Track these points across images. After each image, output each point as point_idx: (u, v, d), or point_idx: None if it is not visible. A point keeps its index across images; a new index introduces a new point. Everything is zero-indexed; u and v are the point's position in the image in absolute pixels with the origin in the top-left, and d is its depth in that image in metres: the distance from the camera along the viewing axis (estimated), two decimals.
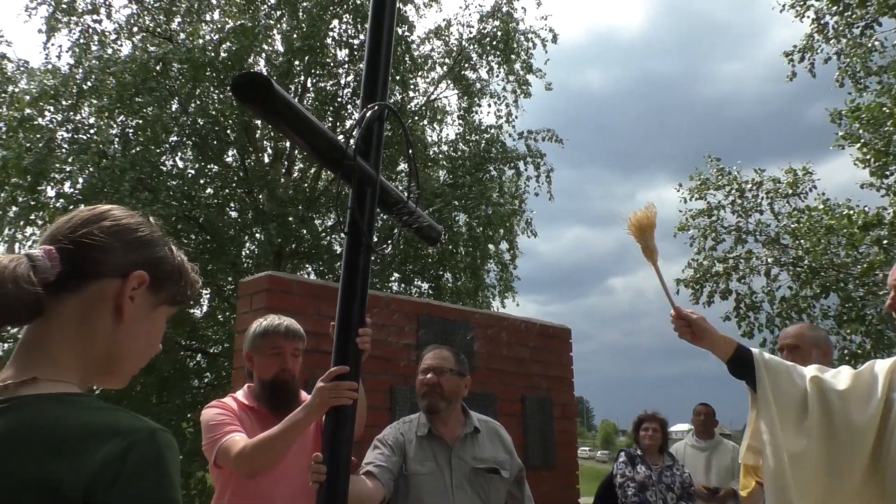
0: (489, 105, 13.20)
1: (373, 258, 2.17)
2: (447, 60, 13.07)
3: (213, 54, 10.25)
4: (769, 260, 9.70)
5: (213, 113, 10.88)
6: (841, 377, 2.10)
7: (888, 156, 7.36)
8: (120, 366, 1.04)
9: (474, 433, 2.74)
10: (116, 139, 10.08)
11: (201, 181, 11.66)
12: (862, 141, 7.83)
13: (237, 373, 3.13)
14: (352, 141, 2.04)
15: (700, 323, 2.18)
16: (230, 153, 12.00)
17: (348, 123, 11.95)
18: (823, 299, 9.26)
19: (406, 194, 2.45)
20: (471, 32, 12.96)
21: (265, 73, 1.89)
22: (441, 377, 2.70)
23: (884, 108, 7.46)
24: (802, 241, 9.27)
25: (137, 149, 10.20)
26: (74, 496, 0.80)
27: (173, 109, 10.89)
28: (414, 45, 12.44)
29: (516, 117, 13.01)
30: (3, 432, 0.84)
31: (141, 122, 10.13)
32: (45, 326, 0.96)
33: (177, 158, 11.79)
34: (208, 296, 11.42)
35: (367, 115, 2.13)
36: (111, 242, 1.01)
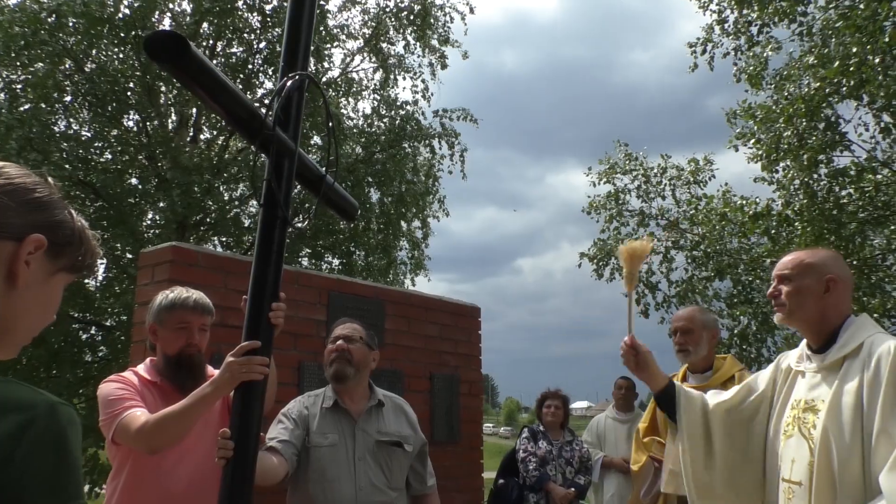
0: (405, 79, 13.15)
1: (288, 231, 2.13)
2: (365, 30, 12.87)
3: (113, 10, 9.61)
4: (669, 243, 10.25)
5: (113, 73, 10.23)
6: (731, 394, 2.39)
7: (778, 152, 7.90)
8: (11, 335, 0.96)
9: (378, 406, 2.76)
10: (2, 94, 9.30)
11: (98, 144, 10.95)
12: (755, 138, 8.36)
13: (136, 346, 3.01)
14: (271, 111, 1.99)
15: (647, 356, 2.39)
16: (131, 117, 11.34)
17: (260, 93, 11.57)
18: (718, 282, 9.93)
19: (324, 168, 2.43)
20: (387, 5, 12.81)
21: (181, 34, 1.80)
22: (351, 345, 2.71)
23: (774, 109, 7.98)
24: (699, 227, 9.85)
25: (27, 106, 9.46)
26: None
27: (67, 66, 10.16)
28: (330, 14, 12.16)
29: (432, 94, 13.03)
30: None
31: (31, 77, 9.38)
32: None
33: (71, 120, 11.02)
34: (104, 266, 10.82)
35: (288, 84, 2.08)
36: (6, 202, 0.93)
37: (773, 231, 8.18)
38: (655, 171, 10.97)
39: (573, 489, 4.84)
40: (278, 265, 2.02)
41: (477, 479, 5.05)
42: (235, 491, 1.86)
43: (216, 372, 2.48)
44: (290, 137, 2.08)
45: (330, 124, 2.51)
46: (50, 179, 1.04)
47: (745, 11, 8.93)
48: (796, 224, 7.67)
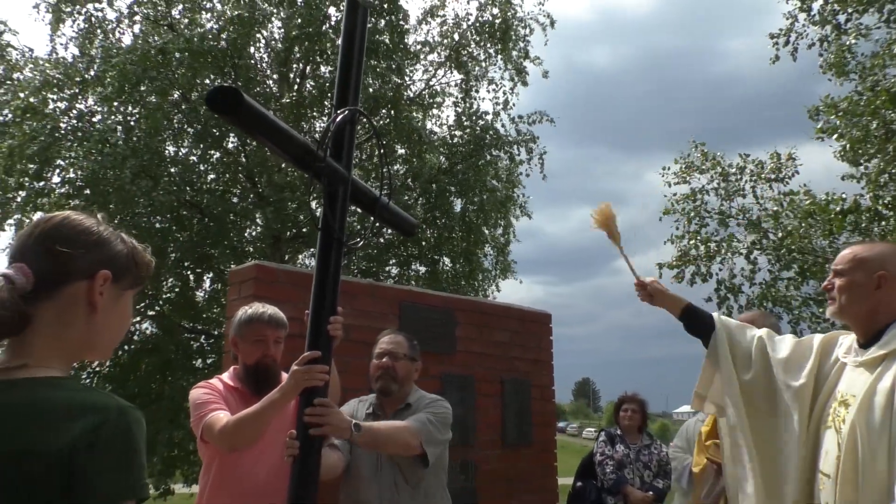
0: (487, 91, 13.36)
1: (345, 251, 2.35)
2: (446, 41, 13.17)
3: (213, 43, 10.39)
4: (749, 243, 9.88)
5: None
6: (784, 344, 2.39)
7: (865, 144, 7.49)
8: (100, 346, 1.24)
9: (405, 408, 2.89)
10: (119, 127, 10.27)
11: (202, 167, 11.85)
12: (839, 132, 7.96)
13: (226, 356, 3.35)
14: (324, 144, 2.22)
15: (654, 285, 2.44)
16: (231, 139, 12.17)
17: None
18: (803, 285, 9.45)
19: (379, 192, 2.62)
20: (469, 19, 13.05)
21: (236, 86, 2.06)
22: (396, 362, 2.90)
23: (860, 102, 7.57)
24: (783, 223, 9.43)
25: (139, 135, 10.39)
26: (59, 459, 1.01)
27: (175, 97, 11.05)
28: (410, 32, 12.55)
29: (513, 105, 13.15)
30: (4, 408, 1.05)
31: (143, 110, 10.31)
32: (29, 327, 1.15)
33: (178, 145, 11.97)
34: (210, 279, 11.68)
35: (338, 119, 2.32)
36: (74, 249, 1.18)
37: (863, 226, 7.74)
38: (734, 169, 10.57)
39: (651, 493, 4.85)
40: (335, 282, 2.22)
41: (551, 480, 5.16)
42: (302, 483, 2.11)
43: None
44: (342, 166, 2.28)
45: (382, 152, 2.73)
46: (100, 216, 1.29)
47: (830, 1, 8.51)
48: (890, 219, 7.22)
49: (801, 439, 2.21)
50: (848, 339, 2.23)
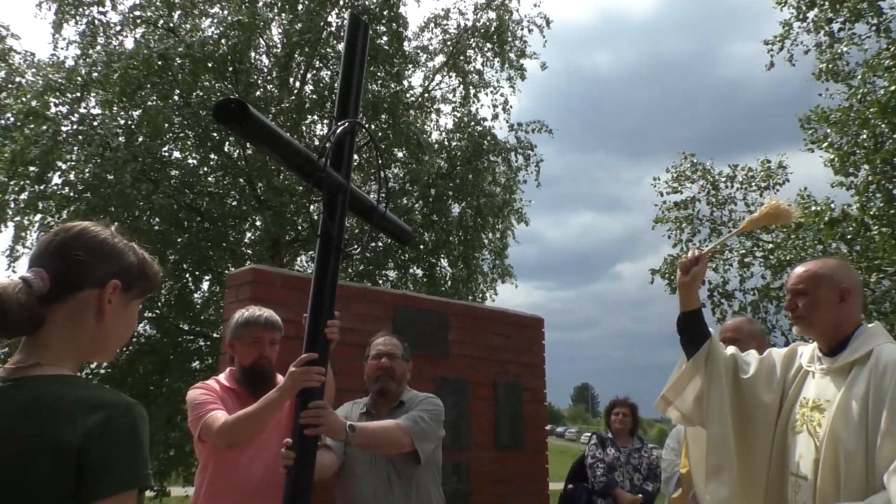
0: (486, 95, 13.48)
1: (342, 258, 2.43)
2: (445, 48, 13.30)
3: (213, 48, 10.49)
4: (742, 251, 10.00)
5: (214, 104, 11.14)
6: (751, 359, 2.49)
7: (854, 155, 7.61)
8: (105, 349, 1.35)
9: (398, 407, 2.96)
10: (120, 131, 10.36)
11: (202, 171, 11.95)
12: (829, 141, 8.07)
13: (223, 357, 3.43)
14: (324, 154, 2.30)
15: (700, 273, 2.49)
16: (231, 143, 12.26)
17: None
18: None
19: (377, 200, 2.70)
20: (467, 22, 13.20)
21: (240, 98, 2.14)
22: (393, 362, 2.99)
23: (850, 112, 7.68)
24: (774, 233, 9.55)
25: (140, 139, 10.49)
26: (71, 450, 1.11)
27: (176, 100, 11.14)
28: (411, 35, 12.68)
29: (511, 107, 13.29)
30: (21, 403, 1.16)
31: (144, 114, 10.41)
32: (43, 328, 1.25)
33: (178, 149, 12.07)
34: (208, 282, 11.75)
35: (338, 130, 2.41)
36: (88, 259, 1.28)
37: (849, 237, 7.86)
38: (724, 179, 10.72)
39: (640, 495, 4.93)
40: (332, 287, 2.29)
41: (542, 483, 5.24)
42: (298, 483, 2.16)
43: (282, 379, 2.87)
44: (342, 176, 2.35)
45: (380, 161, 2.82)
46: (113, 228, 1.39)
47: (824, 6, 8.63)
48: (874, 229, 7.32)
49: (770, 445, 2.33)
50: (808, 349, 2.36)
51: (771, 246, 9.65)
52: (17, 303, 1.20)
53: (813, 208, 8.58)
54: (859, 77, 8.01)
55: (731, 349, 2.54)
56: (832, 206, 8.26)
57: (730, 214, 10.66)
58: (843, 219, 7.77)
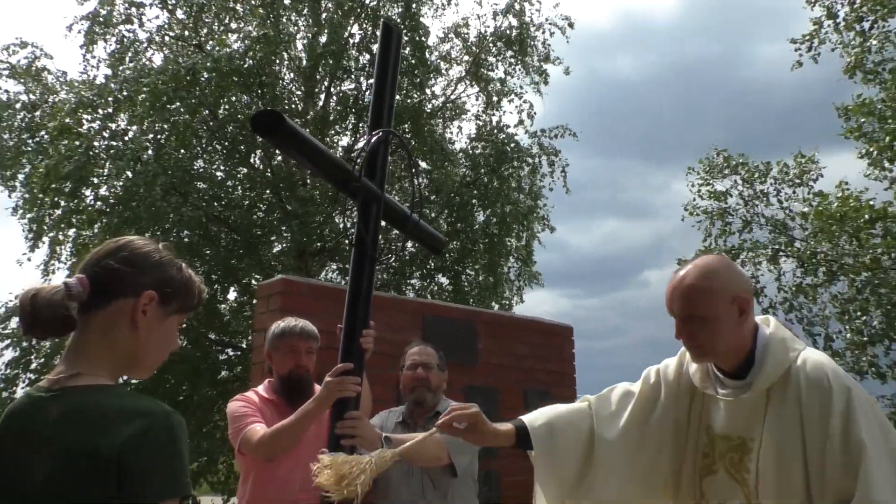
0: (509, 102, 13.47)
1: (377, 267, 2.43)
2: (466, 57, 13.35)
3: (239, 62, 10.67)
4: (774, 247, 9.86)
5: (241, 118, 11.33)
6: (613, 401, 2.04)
7: (891, 150, 7.46)
8: (142, 364, 1.36)
9: (435, 417, 2.88)
10: (150, 145, 10.57)
11: (230, 183, 12.13)
12: (865, 133, 7.93)
13: (256, 367, 3.48)
14: (358, 164, 2.31)
15: (474, 418, 1.93)
16: (258, 155, 12.43)
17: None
18: (832, 286, 9.39)
19: (410, 209, 2.71)
20: (486, 30, 13.23)
21: (277, 110, 2.16)
22: (429, 372, 2.99)
23: (887, 105, 7.55)
24: (810, 224, 9.38)
25: (168, 153, 10.68)
26: (110, 458, 1.13)
27: (204, 114, 11.34)
28: (432, 45, 12.75)
29: (535, 113, 13.28)
30: (62, 413, 1.19)
31: (172, 128, 10.60)
32: (82, 335, 1.30)
33: (205, 161, 12.27)
34: (236, 292, 11.91)
35: (373, 140, 2.43)
36: (126, 269, 1.31)
37: (894, 232, 7.67)
38: (757, 175, 10.57)
39: None
40: (368, 296, 2.29)
41: None
42: None
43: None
44: (376, 185, 2.36)
45: (413, 170, 2.83)
46: (161, 245, 1.42)
47: (855, 4, 8.51)
48: None
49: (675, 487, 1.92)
50: (696, 367, 1.92)
51: (808, 243, 9.44)
52: (48, 304, 1.24)
53: (853, 204, 8.41)
54: (890, 70, 7.87)
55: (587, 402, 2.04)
56: (872, 203, 8.08)
57: (764, 206, 10.49)
58: (883, 215, 7.60)
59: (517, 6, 13.02)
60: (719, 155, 11.18)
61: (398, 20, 11.69)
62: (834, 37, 9.24)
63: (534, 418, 2.05)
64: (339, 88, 12.78)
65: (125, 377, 1.40)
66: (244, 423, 2.65)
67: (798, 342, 1.82)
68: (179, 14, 12.32)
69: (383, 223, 2.59)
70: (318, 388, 2.85)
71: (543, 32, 13.31)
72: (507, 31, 12.95)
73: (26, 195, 11.25)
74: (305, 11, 12.46)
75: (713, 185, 11.08)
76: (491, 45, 13.07)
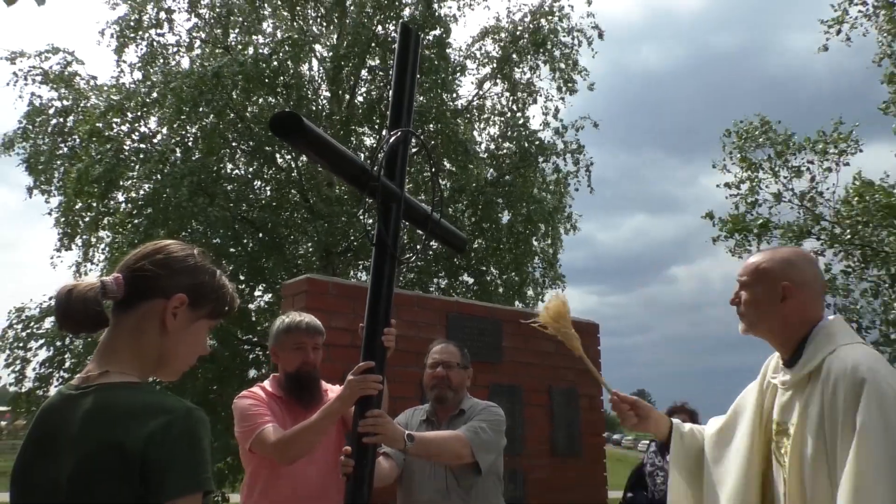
0: (535, 102, 13.40)
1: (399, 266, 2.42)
2: (494, 54, 13.30)
3: (265, 65, 10.77)
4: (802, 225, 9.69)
5: (267, 118, 11.45)
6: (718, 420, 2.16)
7: None
8: (170, 366, 1.39)
9: (459, 415, 2.94)
10: (178, 147, 10.71)
11: (256, 184, 12.25)
12: None
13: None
14: (378, 163, 2.31)
15: (642, 404, 2.19)
16: (283, 156, 12.54)
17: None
18: (867, 271, 9.16)
19: (431, 208, 2.69)
20: (517, 31, 13.16)
21: (296, 112, 2.17)
22: (450, 371, 2.97)
23: None
24: (843, 210, 9.15)
25: (197, 156, 10.82)
26: (135, 453, 1.16)
27: (230, 117, 11.48)
28: (461, 47, 12.75)
29: (562, 119, 13.23)
30: (90, 409, 1.22)
31: (200, 130, 10.74)
32: (114, 333, 1.33)
33: (232, 162, 12.42)
34: (263, 291, 12.03)
35: (391, 140, 2.42)
36: (160, 272, 1.34)
37: None
38: (794, 146, 10.26)
39: None
40: (389, 295, 2.29)
41: (600, 491, 5.16)
42: (357, 490, 2.18)
43: (328, 386, 2.87)
44: (396, 185, 2.36)
45: (433, 170, 2.82)
46: (198, 251, 1.44)
47: None
48: None
49: (747, 487, 1.98)
50: (775, 357, 2.02)
51: (844, 221, 9.17)
52: (83, 299, 1.27)
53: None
54: None
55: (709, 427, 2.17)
56: None
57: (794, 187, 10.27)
58: None
59: (547, 7, 12.96)
60: (757, 117, 10.88)
61: (421, 20, 11.68)
62: (865, 22, 9.01)
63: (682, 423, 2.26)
64: (363, 88, 12.83)
65: (153, 377, 1.41)
66: (257, 422, 2.63)
67: (847, 337, 1.84)
68: (207, 16, 12.49)
69: (405, 223, 2.58)
70: (325, 384, 2.85)
71: (573, 39, 13.21)
72: (535, 32, 12.86)
73: (61, 198, 11.50)
74: (329, 12, 12.53)
75: (745, 153, 10.76)
76: (520, 43, 13.00)
